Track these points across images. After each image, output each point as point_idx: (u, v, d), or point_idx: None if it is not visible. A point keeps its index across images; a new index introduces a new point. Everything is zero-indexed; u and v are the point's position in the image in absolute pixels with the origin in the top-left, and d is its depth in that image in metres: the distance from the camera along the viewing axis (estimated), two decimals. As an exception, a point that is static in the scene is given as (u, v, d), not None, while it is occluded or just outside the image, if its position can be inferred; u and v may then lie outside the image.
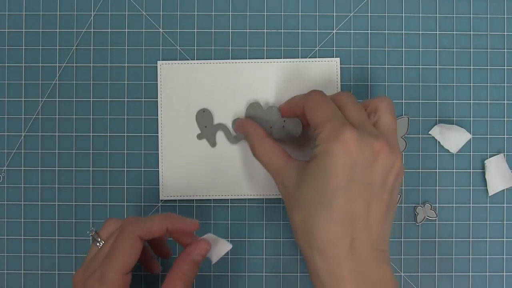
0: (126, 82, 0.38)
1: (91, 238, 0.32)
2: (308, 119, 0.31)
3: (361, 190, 0.28)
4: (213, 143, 0.37)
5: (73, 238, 0.38)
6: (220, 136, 0.37)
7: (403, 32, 0.38)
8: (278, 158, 0.32)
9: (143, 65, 0.38)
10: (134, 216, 0.33)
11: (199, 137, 0.37)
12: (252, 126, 0.35)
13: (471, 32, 0.38)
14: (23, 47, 0.38)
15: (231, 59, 0.38)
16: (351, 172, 0.28)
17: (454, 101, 0.38)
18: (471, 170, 0.38)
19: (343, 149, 0.28)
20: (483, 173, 0.38)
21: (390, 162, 0.29)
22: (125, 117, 0.38)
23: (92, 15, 0.38)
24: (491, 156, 0.38)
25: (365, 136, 0.28)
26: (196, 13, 0.38)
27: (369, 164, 0.28)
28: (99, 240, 0.32)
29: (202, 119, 0.37)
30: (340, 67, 0.38)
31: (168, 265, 0.36)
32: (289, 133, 0.36)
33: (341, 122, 0.29)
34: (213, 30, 0.38)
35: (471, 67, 0.38)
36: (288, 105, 0.35)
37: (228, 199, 0.37)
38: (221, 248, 0.32)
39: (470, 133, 0.38)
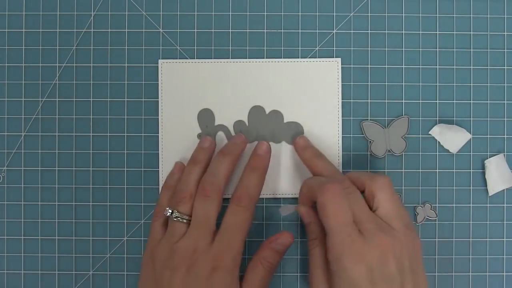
0: (126, 82, 0.38)
1: (175, 219, 0.33)
2: (319, 216, 0.31)
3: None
4: (213, 143, 0.37)
5: (73, 238, 0.38)
6: (220, 137, 0.37)
7: (403, 32, 0.38)
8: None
9: (143, 65, 0.38)
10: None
11: (199, 136, 0.37)
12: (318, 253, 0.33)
13: (471, 32, 0.38)
14: (23, 47, 0.38)
15: (231, 59, 0.38)
16: (371, 276, 0.29)
17: (454, 101, 0.38)
18: (471, 170, 0.38)
19: (356, 261, 0.29)
20: (483, 173, 0.38)
21: (399, 250, 0.29)
22: (125, 117, 0.38)
23: (92, 15, 0.38)
24: (491, 156, 0.38)
25: (372, 237, 0.29)
26: (196, 13, 0.38)
27: (383, 261, 0.29)
28: (184, 217, 0.33)
29: (204, 118, 0.37)
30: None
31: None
32: (291, 136, 0.37)
33: (350, 231, 0.29)
34: (213, 30, 0.38)
35: (471, 67, 0.38)
36: (304, 197, 0.34)
37: (228, 199, 0.37)
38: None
39: (470, 133, 0.38)
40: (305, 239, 0.37)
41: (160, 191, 0.37)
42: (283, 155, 0.37)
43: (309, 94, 0.37)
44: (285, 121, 0.37)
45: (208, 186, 0.33)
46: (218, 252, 0.32)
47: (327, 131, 0.37)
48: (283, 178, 0.37)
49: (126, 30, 0.38)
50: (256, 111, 0.37)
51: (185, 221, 0.33)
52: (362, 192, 0.33)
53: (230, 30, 0.38)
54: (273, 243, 0.34)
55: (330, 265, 0.30)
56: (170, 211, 0.33)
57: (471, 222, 0.38)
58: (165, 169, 0.37)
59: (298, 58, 0.38)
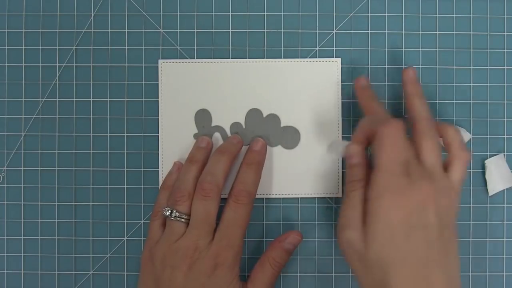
0: (126, 82, 0.38)
1: (173, 218, 0.33)
2: (374, 152, 0.31)
3: (420, 234, 0.29)
4: (209, 144, 0.37)
5: (73, 238, 0.38)
6: (216, 138, 0.37)
7: (403, 32, 0.38)
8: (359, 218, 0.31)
9: (143, 65, 0.38)
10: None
11: (196, 137, 0.37)
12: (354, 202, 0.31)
13: (471, 32, 0.38)
14: (23, 47, 0.38)
15: (231, 59, 0.38)
16: (409, 219, 0.29)
17: (454, 101, 0.38)
18: (471, 170, 0.38)
19: (398, 201, 0.29)
20: (483, 173, 0.38)
21: (439, 200, 0.29)
22: (125, 117, 0.38)
23: (92, 15, 0.38)
24: (491, 156, 0.38)
25: (417, 181, 0.29)
26: (196, 13, 0.38)
27: (424, 207, 0.29)
28: (183, 216, 0.33)
29: (201, 119, 0.37)
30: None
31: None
32: (287, 140, 0.37)
33: (400, 171, 0.29)
34: (213, 30, 0.38)
35: (471, 67, 0.38)
36: (362, 133, 0.33)
37: (224, 199, 0.37)
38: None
39: (470, 133, 0.38)
40: (306, 239, 0.37)
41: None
42: (278, 159, 0.37)
43: (309, 94, 0.37)
44: (282, 125, 0.37)
45: (207, 185, 0.33)
46: (219, 249, 0.32)
47: (326, 132, 0.37)
48: (276, 181, 0.37)
49: (126, 30, 0.38)
50: (253, 114, 0.37)
51: (183, 220, 0.33)
52: None
53: (230, 30, 0.38)
54: (282, 242, 0.34)
55: (368, 204, 0.30)
56: (169, 210, 0.33)
57: (471, 222, 0.38)
58: (165, 169, 0.37)
59: (298, 58, 0.38)
